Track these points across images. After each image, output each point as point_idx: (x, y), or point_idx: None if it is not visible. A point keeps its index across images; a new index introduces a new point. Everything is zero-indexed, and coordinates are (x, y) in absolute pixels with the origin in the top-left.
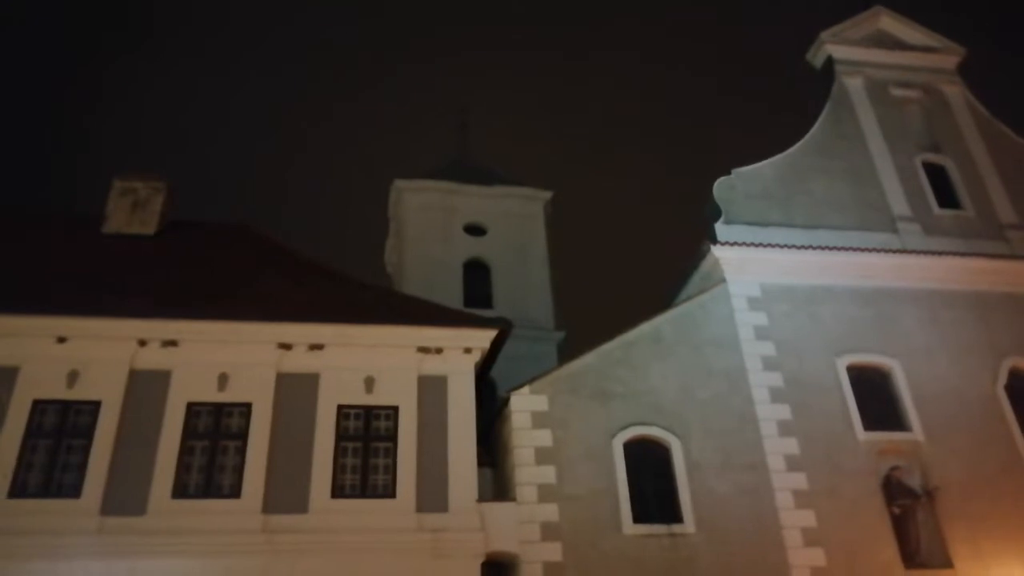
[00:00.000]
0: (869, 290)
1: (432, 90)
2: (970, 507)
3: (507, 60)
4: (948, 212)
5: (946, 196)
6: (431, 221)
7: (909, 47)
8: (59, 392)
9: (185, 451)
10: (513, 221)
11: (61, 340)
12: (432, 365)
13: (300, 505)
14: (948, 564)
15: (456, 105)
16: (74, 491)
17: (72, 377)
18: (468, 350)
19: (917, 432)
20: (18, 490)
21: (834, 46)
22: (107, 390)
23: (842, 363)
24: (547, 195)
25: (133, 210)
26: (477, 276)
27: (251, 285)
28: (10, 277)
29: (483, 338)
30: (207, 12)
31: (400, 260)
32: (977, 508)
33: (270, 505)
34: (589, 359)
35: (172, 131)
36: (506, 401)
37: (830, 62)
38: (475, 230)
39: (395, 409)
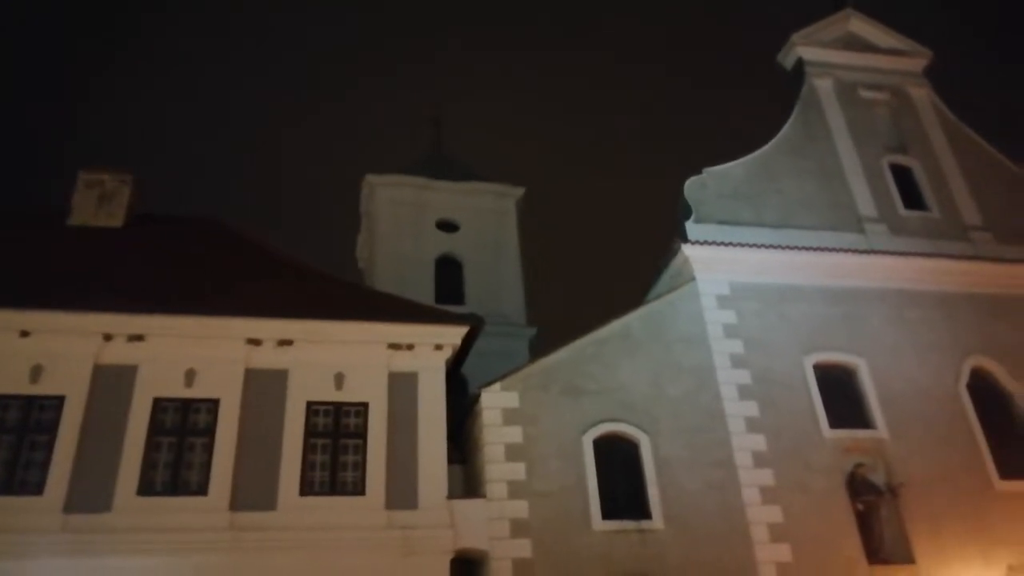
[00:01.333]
0: (837, 289)
1: (405, 87)
2: (932, 504)
3: (481, 58)
4: (914, 213)
5: (912, 197)
6: (403, 216)
7: (878, 50)
8: (22, 387)
9: (151, 447)
10: (486, 217)
11: (24, 334)
12: (403, 362)
13: (268, 502)
14: (910, 559)
15: (429, 102)
16: (37, 488)
17: (36, 372)
18: (439, 347)
19: (882, 430)
20: None
21: (805, 48)
22: (72, 385)
23: (809, 361)
24: (520, 191)
25: (99, 203)
26: (449, 272)
27: (220, 280)
28: None
29: (454, 335)
30: (180, 8)
31: (372, 256)
32: (939, 505)
33: (238, 502)
34: (560, 356)
35: (141, 126)
36: (477, 398)
37: (800, 63)
38: (447, 226)
39: (365, 406)
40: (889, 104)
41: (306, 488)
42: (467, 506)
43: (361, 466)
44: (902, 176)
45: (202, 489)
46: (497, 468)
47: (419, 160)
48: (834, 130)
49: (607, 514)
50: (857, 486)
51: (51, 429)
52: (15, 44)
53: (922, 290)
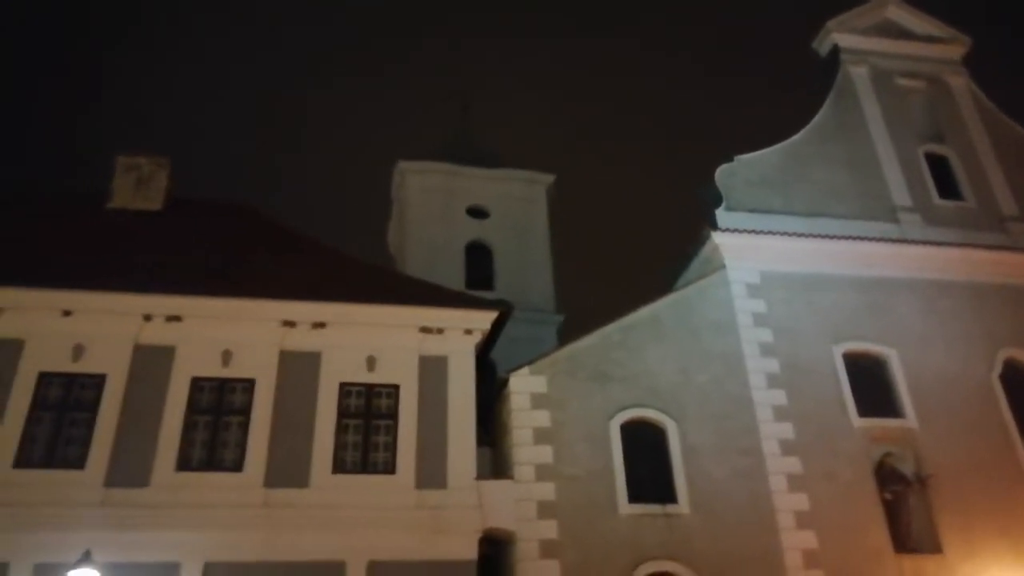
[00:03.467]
0: (868, 279)
1: (436, 73)
2: (962, 494)
3: (511, 45)
4: (949, 203)
5: (947, 187)
6: (434, 203)
7: (915, 37)
8: (64, 365)
9: (189, 425)
10: (515, 204)
11: (66, 314)
12: (433, 345)
13: (301, 480)
14: (938, 550)
15: (460, 88)
16: (79, 463)
17: (77, 351)
18: (469, 331)
19: (911, 419)
20: (24, 461)
21: (840, 35)
22: (112, 364)
23: (839, 350)
24: (550, 178)
25: (137, 186)
26: (479, 258)
27: (255, 263)
28: (16, 251)
29: (484, 320)
30: None
31: (402, 242)
32: (969, 496)
33: (272, 479)
34: (588, 341)
35: (175, 111)
36: (505, 382)
37: (835, 51)
38: (477, 212)
39: (396, 388)
40: (926, 92)
41: (338, 467)
42: (495, 487)
43: (392, 446)
44: (938, 165)
45: (237, 466)
46: (525, 451)
47: (449, 147)
48: (868, 118)
49: (633, 498)
50: (885, 475)
51: (92, 406)
52: (59, 30)
53: (954, 280)
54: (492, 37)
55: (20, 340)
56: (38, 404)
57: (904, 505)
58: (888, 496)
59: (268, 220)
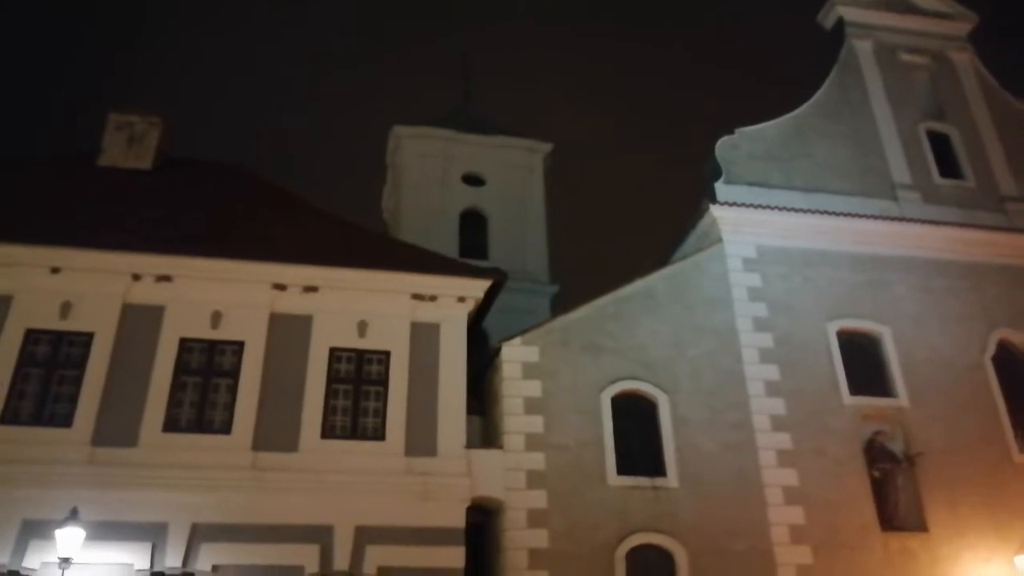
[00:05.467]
0: (865, 256)
1: (435, 38)
2: (949, 474)
3: (511, 11)
4: (949, 182)
5: (948, 165)
6: (429, 169)
7: (922, 12)
8: (52, 323)
9: (177, 386)
10: (512, 172)
11: (55, 271)
12: (425, 312)
13: (290, 444)
14: (924, 528)
15: (458, 54)
16: (66, 421)
17: (65, 308)
18: (462, 299)
19: (902, 398)
20: (10, 417)
21: (846, 8)
22: (100, 322)
23: (833, 327)
24: (547, 147)
25: (129, 144)
26: (474, 226)
27: (247, 224)
28: (4, 208)
29: (477, 288)
30: None
31: (397, 207)
32: (956, 475)
33: (260, 443)
34: (582, 312)
35: (168, 69)
36: (497, 351)
37: (841, 24)
38: (473, 180)
39: (387, 354)
40: (929, 69)
41: (327, 432)
42: (485, 456)
43: (382, 412)
44: (939, 143)
45: (226, 428)
46: (515, 420)
47: (447, 113)
48: (871, 94)
49: (622, 470)
50: (875, 453)
51: (80, 364)
52: None
53: (951, 260)
54: (494, 4)
55: (8, 296)
56: (25, 361)
57: (892, 483)
58: (876, 474)
59: (261, 181)
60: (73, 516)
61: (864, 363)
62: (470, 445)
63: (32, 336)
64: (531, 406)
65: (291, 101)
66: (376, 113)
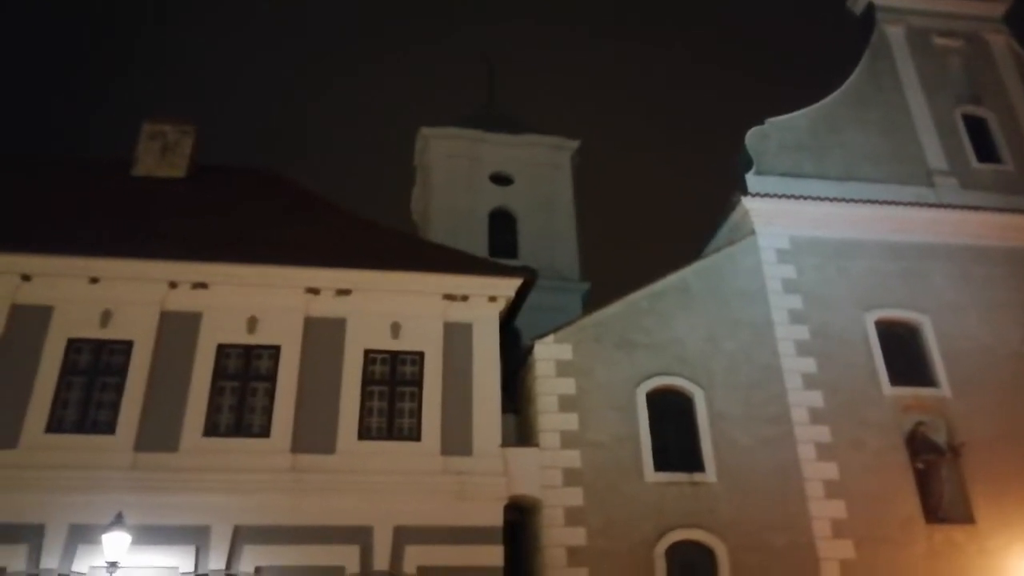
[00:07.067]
0: (901, 244)
1: (459, 38)
2: (995, 464)
3: (535, 7)
4: (987, 166)
5: (985, 150)
6: (457, 170)
7: None
8: (93, 331)
9: (216, 391)
10: (540, 170)
11: (94, 281)
12: (457, 312)
13: (328, 446)
14: (970, 520)
15: (483, 53)
16: (109, 427)
17: (105, 317)
18: (493, 298)
19: (944, 388)
20: (55, 425)
21: None
22: (139, 330)
23: (870, 317)
24: (574, 144)
25: (163, 153)
26: (503, 225)
27: (280, 230)
28: (43, 219)
29: (508, 287)
30: None
31: (426, 209)
32: (1002, 465)
33: (298, 445)
34: (615, 309)
35: (198, 77)
36: (530, 349)
37: (871, 9)
38: (501, 179)
39: (421, 355)
40: (964, 52)
41: (364, 433)
42: (520, 454)
43: (417, 413)
44: (975, 128)
45: (264, 432)
46: (550, 418)
47: (473, 112)
48: (904, 80)
49: (659, 466)
50: (917, 445)
51: (120, 372)
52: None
53: (990, 246)
54: (518, 2)
55: (49, 307)
56: (68, 370)
57: (936, 475)
58: (920, 466)
59: (292, 186)
60: (118, 521)
61: (903, 353)
62: (505, 444)
63: (74, 345)
64: (565, 403)
65: (319, 105)
66: (405, 114)
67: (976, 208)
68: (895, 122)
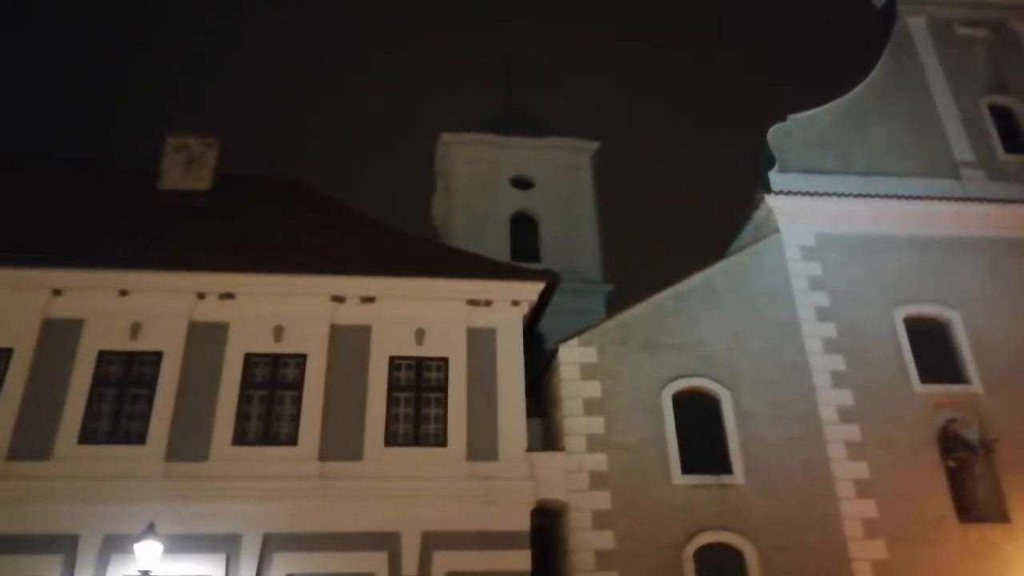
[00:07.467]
0: (929, 238)
1: (477, 41)
2: None
3: (553, 9)
4: (1015, 157)
5: (1013, 140)
6: (478, 174)
7: None
8: (123, 343)
9: (244, 400)
10: (560, 173)
11: (123, 293)
12: (481, 317)
13: (355, 453)
14: (1005, 518)
15: (504, 53)
16: (140, 438)
17: (135, 329)
18: (516, 303)
19: (976, 384)
20: (88, 436)
21: None
22: (168, 341)
23: (899, 313)
24: (594, 146)
25: (187, 166)
26: (524, 229)
27: (304, 239)
28: (72, 233)
29: (531, 291)
30: None
31: (447, 214)
32: None
33: (326, 452)
34: (639, 310)
35: (216, 87)
36: (554, 353)
37: (892, 1)
38: (522, 183)
39: (445, 360)
40: (988, 41)
41: (390, 439)
42: (546, 458)
43: (442, 418)
44: (1002, 118)
45: (292, 440)
46: (576, 422)
47: (492, 116)
48: (927, 71)
49: (687, 468)
50: (949, 442)
51: (151, 383)
52: (108, 10)
53: (1020, 238)
54: (535, 3)
55: (80, 320)
56: (99, 381)
57: (969, 473)
58: (952, 464)
59: (314, 195)
60: (150, 530)
61: (933, 349)
62: (531, 448)
63: (105, 357)
64: (591, 407)
65: (338, 113)
66: (424, 120)
67: (1004, 200)
68: (919, 115)
